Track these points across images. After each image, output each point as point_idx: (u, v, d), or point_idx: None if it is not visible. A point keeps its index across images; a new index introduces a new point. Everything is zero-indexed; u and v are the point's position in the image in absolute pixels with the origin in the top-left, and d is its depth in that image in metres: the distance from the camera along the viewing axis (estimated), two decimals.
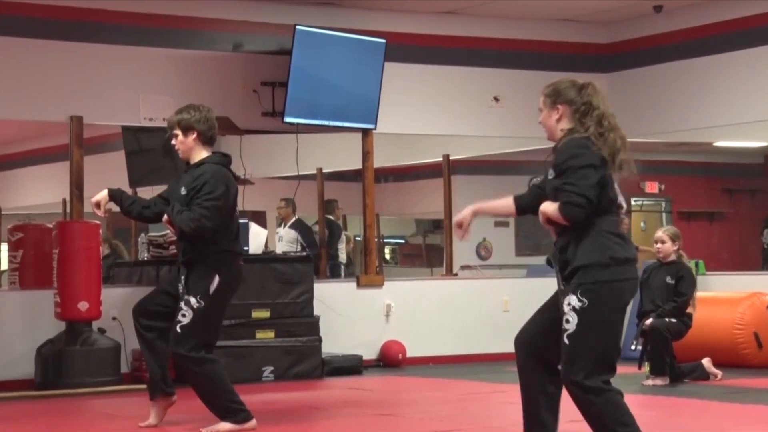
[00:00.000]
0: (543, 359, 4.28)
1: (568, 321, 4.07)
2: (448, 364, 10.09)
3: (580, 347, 4.08)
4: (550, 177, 4.24)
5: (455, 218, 4.46)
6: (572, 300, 4.08)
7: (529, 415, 4.35)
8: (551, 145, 4.38)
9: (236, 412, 5.91)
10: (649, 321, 8.12)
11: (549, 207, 4.16)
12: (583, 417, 4.16)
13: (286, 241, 11.63)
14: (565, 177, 4.13)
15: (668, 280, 8.23)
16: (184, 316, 5.84)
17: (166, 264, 9.03)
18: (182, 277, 5.93)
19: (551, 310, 4.28)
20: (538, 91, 4.51)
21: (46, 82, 8.98)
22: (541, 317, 4.35)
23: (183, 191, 5.93)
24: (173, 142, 6.05)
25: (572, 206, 4.08)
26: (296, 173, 9.80)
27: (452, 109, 10.62)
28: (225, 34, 9.67)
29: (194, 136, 6.01)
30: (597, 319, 4.08)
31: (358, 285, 10.13)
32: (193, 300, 5.85)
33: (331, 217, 12.47)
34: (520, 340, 4.35)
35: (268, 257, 9.35)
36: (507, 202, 4.48)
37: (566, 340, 4.07)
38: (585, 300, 4.07)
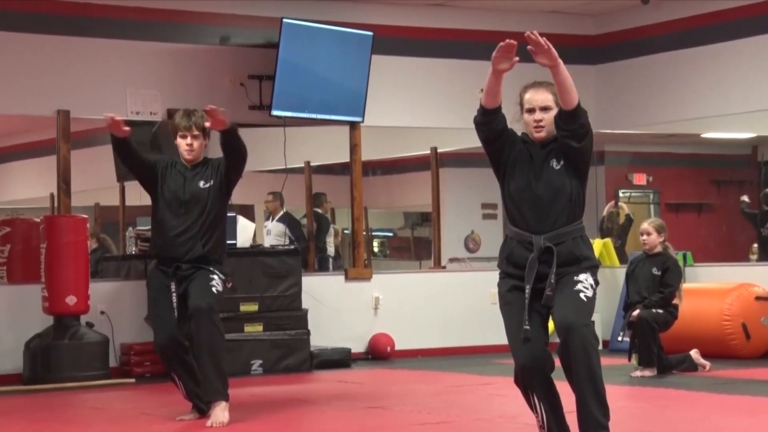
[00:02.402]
0: (547, 371, 4.47)
1: (586, 288, 4.42)
2: (437, 356, 10.09)
3: (590, 306, 4.43)
4: (555, 166, 4.46)
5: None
6: (588, 277, 4.45)
7: (558, 418, 4.54)
8: None
9: (225, 384, 5.96)
10: (636, 312, 8.13)
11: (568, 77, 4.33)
12: (578, 362, 4.30)
13: (274, 234, 11.61)
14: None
15: (654, 271, 8.24)
16: (217, 284, 6.00)
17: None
18: (192, 272, 6.00)
19: (535, 319, 4.42)
20: (529, 83, 4.56)
21: (32, 76, 8.95)
22: (536, 333, 4.43)
23: (203, 184, 6.07)
24: (189, 141, 6.08)
25: (583, 111, 4.39)
26: (284, 166, 9.79)
27: (440, 101, 10.61)
28: (212, 27, 9.65)
29: (207, 141, 6.19)
30: (595, 297, 4.51)
31: (347, 278, 10.13)
32: (220, 279, 6.02)
33: (320, 211, 12.46)
34: (531, 366, 4.44)
35: (256, 251, 9.34)
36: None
37: (583, 298, 4.39)
38: (594, 279, 4.49)
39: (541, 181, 4.45)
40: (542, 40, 4.24)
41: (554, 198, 4.44)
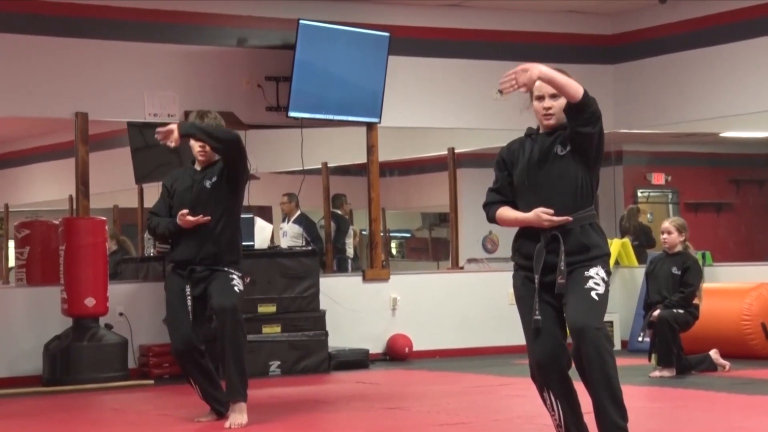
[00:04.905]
0: (563, 367, 4.44)
1: (598, 284, 4.36)
2: (455, 357, 10.09)
3: (603, 305, 4.38)
4: (560, 152, 4.43)
5: (519, 69, 4.34)
6: (599, 270, 4.39)
7: (576, 416, 4.49)
8: None
9: (246, 384, 5.96)
10: (656, 312, 8.10)
11: (559, 75, 4.30)
12: (593, 367, 4.27)
13: (290, 236, 11.62)
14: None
15: (674, 270, 8.21)
16: (238, 283, 6.02)
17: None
18: (208, 274, 6.01)
19: (549, 313, 4.39)
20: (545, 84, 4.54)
21: (51, 79, 8.99)
22: (547, 329, 4.40)
23: (209, 183, 6.09)
24: (201, 144, 6.10)
25: (593, 101, 4.34)
26: (301, 168, 9.80)
27: (457, 102, 10.61)
28: (229, 29, 9.67)
29: None
30: (608, 289, 4.44)
31: (364, 279, 10.13)
32: (239, 278, 6.02)
33: (339, 212, 12.46)
34: (547, 362, 4.41)
35: (273, 252, 9.36)
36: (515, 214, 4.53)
37: (595, 297, 4.33)
38: (606, 270, 4.43)
39: (542, 168, 4.44)
40: (509, 78, 4.30)
41: (557, 184, 4.41)
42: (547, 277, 4.39)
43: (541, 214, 4.36)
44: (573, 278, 4.37)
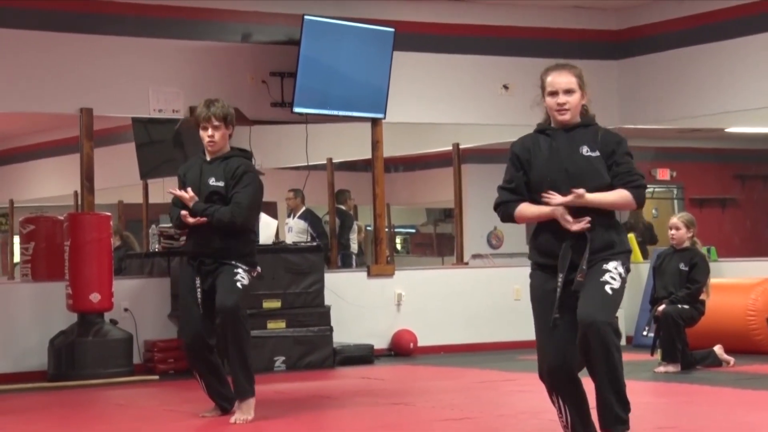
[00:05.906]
0: (573, 372, 4.42)
1: (614, 278, 4.32)
2: (460, 352, 10.09)
3: (616, 300, 4.34)
4: (586, 153, 4.37)
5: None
6: (618, 266, 4.36)
7: (583, 419, 4.48)
8: None
9: (252, 380, 5.96)
10: (661, 307, 8.10)
11: (607, 197, 4.35)
12: (599, 360, 4.25)
13: (295, 231, 11.63)
14: (625, 163, 4.40)
15: (682, 266, 8.19)
16: (243, 278, 5.97)
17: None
18: (216, 267, 5.99)
19: (567, 315, 4.34)
20: (551, 65, 4.51)
21: (56, 75, 8.99)
22: (560, 332, 4.37)
23: (213, 181, 6.01)
24: (210, 133, 6.02)
25: (643, 190, 4.42)
26: (306, 163, 9.81)
27: (462, 97, 10.60)
28: (234, 24, 9.67)
29: (231, 131, 6.11)
30: (625, 285, 4.41)
31: (369, 275, 10.13)
32: (245, 271, 5.99)
33: (343, 207, 12.47)
34: (555, 368, 4.39)
35: (278, 248, 9.35)
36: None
37: (609, 291, 4.30)
38: (625, 268, 4.40)
39: (566, 166, 4.35)
40: (562, 213, 4.32)
41: (582, 180, 4.32)
42: (568, 277, 4.34)
43: (561, 216, 4.30)
44: (590, 270, 4.32)
